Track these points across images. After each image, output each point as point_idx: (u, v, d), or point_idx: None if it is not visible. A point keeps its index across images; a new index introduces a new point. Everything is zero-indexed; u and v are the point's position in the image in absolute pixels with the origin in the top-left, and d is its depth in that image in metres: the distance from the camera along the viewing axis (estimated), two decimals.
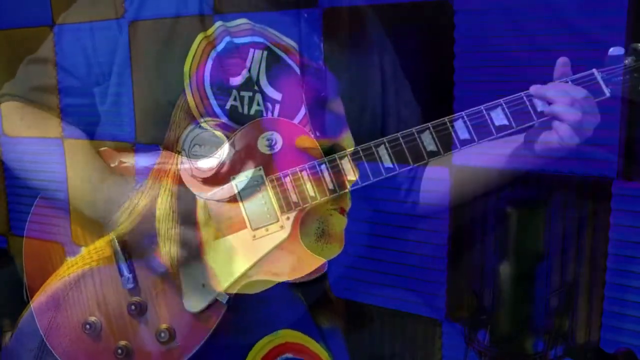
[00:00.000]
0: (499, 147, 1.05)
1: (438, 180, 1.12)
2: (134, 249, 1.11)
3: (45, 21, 1.26)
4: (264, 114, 1.10)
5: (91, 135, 1.21)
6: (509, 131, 1.00)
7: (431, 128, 1.02)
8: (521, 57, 1.10)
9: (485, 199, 1.13)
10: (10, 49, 1.47)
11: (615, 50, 0.99)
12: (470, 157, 1.07)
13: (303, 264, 1.08)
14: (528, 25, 1.09)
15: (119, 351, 1.10)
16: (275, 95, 1.11)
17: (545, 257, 1.09)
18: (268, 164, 1.08)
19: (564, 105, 0.98)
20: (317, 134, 1.10)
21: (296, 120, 1.10)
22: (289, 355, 1.12)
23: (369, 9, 1.16)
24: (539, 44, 1.08)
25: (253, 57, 1.11)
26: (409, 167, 1.04)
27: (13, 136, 1.23)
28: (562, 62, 1.01)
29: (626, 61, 0.98)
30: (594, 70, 0.99)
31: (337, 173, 1.05)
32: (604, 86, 0.99)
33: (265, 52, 1.11)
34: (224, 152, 1.09)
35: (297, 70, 1.12)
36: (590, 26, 1.04)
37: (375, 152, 1.04)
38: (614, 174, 1.04)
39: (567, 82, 1.00)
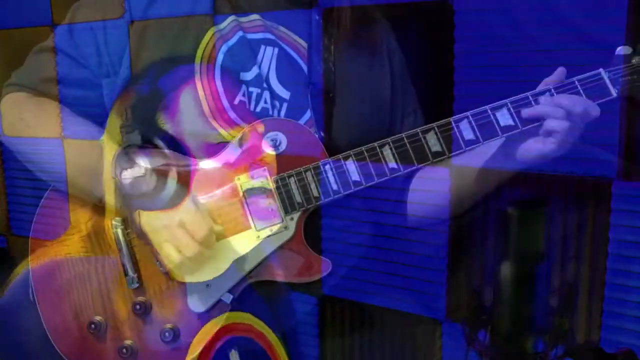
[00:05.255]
0: (498, 147, 1.05)
1: (438, 180, 1.12)
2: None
3: (45, 21, 1.26)
4: (271, 112, 1.10)
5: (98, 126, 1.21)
6: (515, 131, 1.00)
7: (436, 128, 1.02)
8: (521, 57, 1.10)
9: (486, 199, 1.13)
10: (10, 49, 1.47)
11: (622, 50, 0.99)
12: (470, 157, 1.07)
13: (307, 264, 1.08)
14: (528, 25, 1.09)
15: (124, 350, 1.10)
16: (284, 93, 1.11)
17: (545, 257, 1.09)
18: (272, 164, 1.08)
19: (559, 120, 0.97)
20: (322, 134, 1.10)
21: (302, 121, 1.10)
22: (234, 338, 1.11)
23: (372, 8, 1.16)
24: (539, 44, 1.08)
25: (264, 53, 1.11)
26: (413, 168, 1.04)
27: (13, 136, 1.23)
28: (558, 72, 1.00)
29: (634, 60, 0.97)
30: (601, 70, 0.99)
31: (341, 174, 1.05)
32: (610, 86, 0.98)
33: (276, 50, 1.11)
34: (229, 151, 1.09)
35: (306, 70, 1.12)
36: (591, 26, 1.04)
37: (380, 153, 1.04)
38: (614, 174, 1.04)
39: (552, 94, 1.00)
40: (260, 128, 1.09)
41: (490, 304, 1.11)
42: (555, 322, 1.06)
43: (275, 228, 1.07)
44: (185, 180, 1.08)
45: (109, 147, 1.12)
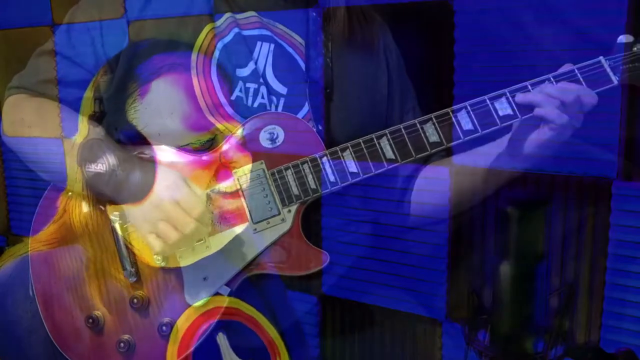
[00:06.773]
0: (498, 147, 1.06)
1: (438, 180, 1.12)
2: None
3: (45, 21, 1.26)
4: (268, 107, 1.10)
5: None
6: (513, 121, 1.00)
7: (434, 119, 1.02)
8: (521, 57, 1.10)
9: (485, 199, 1.13)
10: (10, 49, 1.47)
11: (624, 38, 0.99)
12: (470, 157, 1.07)
13: (305, 257, 1.08)
14: (528, 25, 1.09)
15: (121, 345, 1.10)
16: (280, 89, 1.11)
17: (545, 257, 1.09)
18: (270, 158, 1.08)
19: (550, 108, 0.97)
20: (320, 128, 1.10)
21: (300, 115, 1.11)
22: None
23: (370, 8, 1.17)
24: (539, 43, 1.08)
25: (260, 49, 1.11)
26: (410, 164, 1.04)
27: (13, 136, 1.23)
28: (565, 68, 1.01)
29: (635, 48, 0.97)
30: (601, 57, 0.98)
31: (339, 165, 1.05)
32: (611, 74, 0.98)
33: (272, 46, 1.11)
34: (226, 146, 1.10)
35: (303, 66, 1.12)
36: (590, 26, 1.04)
37: (377, 144, 1.04)
38: (614, 174, 1.04)
39: (552, 82, 1.00)
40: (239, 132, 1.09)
41: (490, 304, 1.11)
42: (555, 322, 1.06)
43: (272, 220, 1.07)
44: (153, 171, 1.07)
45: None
